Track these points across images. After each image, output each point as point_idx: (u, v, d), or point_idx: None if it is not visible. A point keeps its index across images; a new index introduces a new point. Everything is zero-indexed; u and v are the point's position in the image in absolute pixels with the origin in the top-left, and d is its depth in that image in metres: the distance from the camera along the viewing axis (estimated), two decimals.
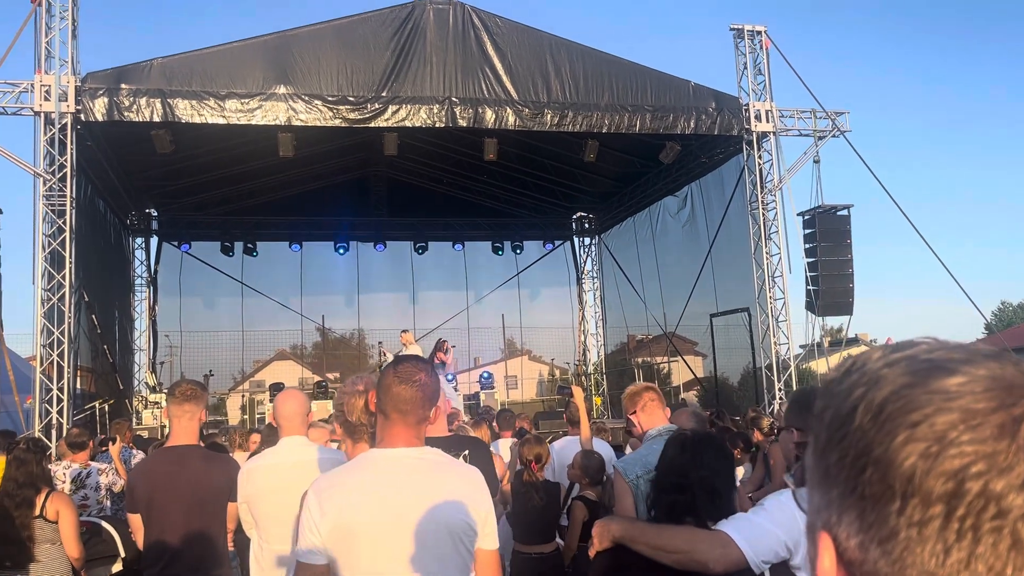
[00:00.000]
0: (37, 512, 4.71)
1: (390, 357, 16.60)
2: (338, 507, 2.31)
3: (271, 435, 5.34)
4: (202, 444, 4.44)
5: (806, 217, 15.19)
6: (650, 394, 3.86)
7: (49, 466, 6.23)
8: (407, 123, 13.10)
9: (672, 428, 3.69)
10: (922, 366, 0.60)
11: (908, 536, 0.56)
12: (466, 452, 3.88)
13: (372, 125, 13.13)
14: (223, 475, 3.99)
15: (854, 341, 29.19)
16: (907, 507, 0.56)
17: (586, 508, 5.14)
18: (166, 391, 9.00)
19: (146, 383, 18.32)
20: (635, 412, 3.84)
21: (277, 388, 15.59)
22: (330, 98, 12.73)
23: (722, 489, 2.64)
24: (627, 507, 3.42)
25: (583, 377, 22.63)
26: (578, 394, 6.13)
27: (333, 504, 2.31)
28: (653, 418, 3.81)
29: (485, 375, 18.63)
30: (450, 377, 17.46)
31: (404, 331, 16.48)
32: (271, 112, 12.58)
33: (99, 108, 12.08)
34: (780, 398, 14.48)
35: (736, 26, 14.99)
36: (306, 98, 12.64)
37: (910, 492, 0.56)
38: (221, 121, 12.50)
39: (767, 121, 14.62)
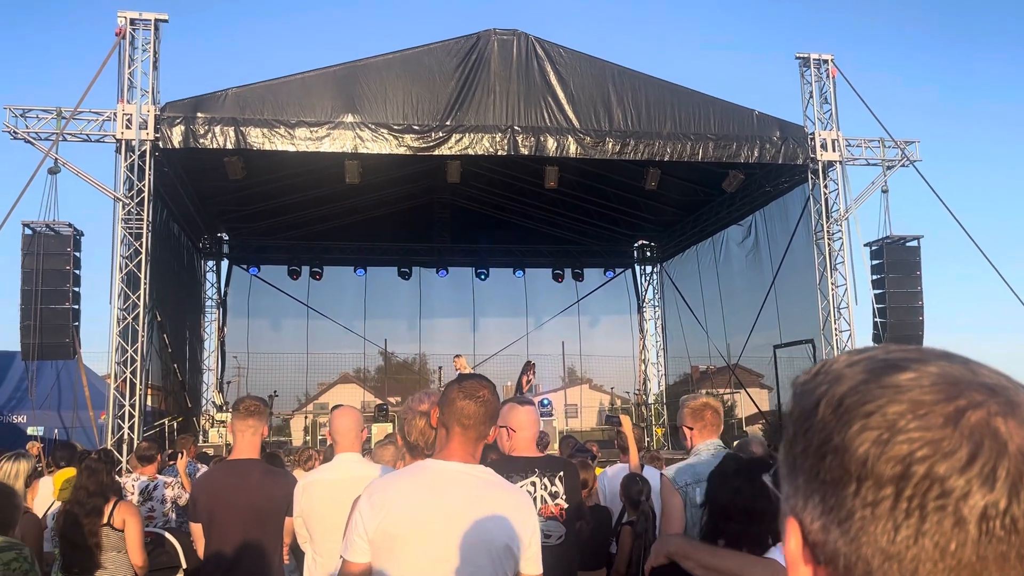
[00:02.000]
0: (105, 520, 4.89)
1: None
2: (385, 509, 2.37)
3: (331, 454, 5.45)
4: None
5: (873, 248, 14.88)
6: (711, 412, 3.82)
7: (119, 478, 6.47)
8: (470, 151, 13.31)
9: (722, 446, 3.70)
10: (878, 364, 0.66)
11: (863, 516, 0.61)
12: (561, 474, 3.92)
13: (435, 153, 13.38)
14: (281, 489, 4.09)
15: None
16: (861, 489, 0.61)
17: (633, 533, 5.09)
18: (227, 418, 9.25)
19: (213, 402, 18.80)
20: (692, 427, 3.80)
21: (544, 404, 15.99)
22: (396, 127, 13.03)
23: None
24: (676, 514, 3.41)
25: (643, 407, 22.40)
26: (626, 422, 6.12)
27: (381, 505, 2.38)
28: (707, 434, 3.77)
29: (544, 402, 18.59)
30: (546, 402, 17.50)
31: (457, 356, 16.63)
32: (338, 140, 12.93)
33: (176, 136, 12.59)
34: None
35: (802, 55, 14.86)
36: (372, 127, 12.96)
37: (864, 476, 0.61)
38: (291, 149, 12.90)
39: (833, 150, 14.41)
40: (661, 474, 3.81)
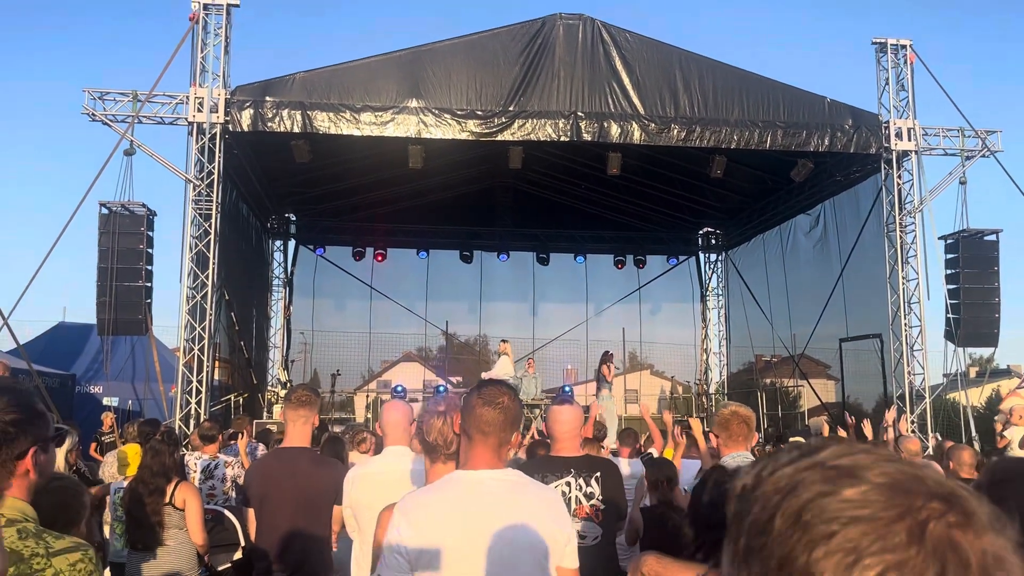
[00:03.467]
0: (167, 500, 5.07)
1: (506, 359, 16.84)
2: (423, 527, 2.39)
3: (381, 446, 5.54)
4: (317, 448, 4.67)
5: (949, 241, 14.36)
6: (738, 422, 3.75)
7: (184, 454, 6.70)
8: (532, 137, 13.27)
9: (749, 458, 3.61)
10: (829, 474, 0.65)
11: None
12: (598, 474, 3.91)
13: (498, 139, 13.38)
14: (330, 478, 4.18)
15: (1005, 372, 27.06)
16: None
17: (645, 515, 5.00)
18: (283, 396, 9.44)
19: (278, 379, 19.27)
20: (719, 435, 3.77)
21: (397, 391, 16.09)
22: (459, 112, 13.06)
23: None
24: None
25: (704, 397, 22.16)
26: (695, 425, 6.12)
27: (418, 524, 2.39)
28: (733, 445, 3.71)
29: (565, 388, 18.50)
30: (567, 389, 17.48)
31: (503, 341, 16.73)
32: (403, 125, 13.03)
33: (245, 119, 12.86)
34: (913, 431, 13.70)
35: (879, 40, 14.37)
36: (436, 112, 13.02)
37: None
38: (356, 133, 13.06)
39: (909, 139, 13.93)
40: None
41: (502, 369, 15.53)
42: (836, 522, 0.61)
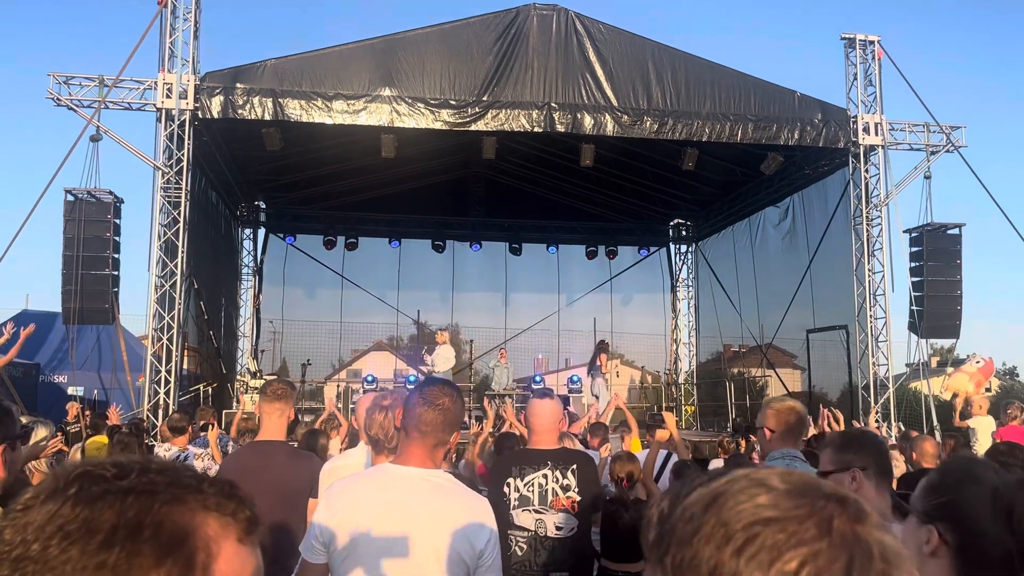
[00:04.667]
0: None
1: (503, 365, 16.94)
2: (343, 513, 2.44)
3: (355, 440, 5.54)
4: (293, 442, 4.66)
5: (913, 235, 14.62)
6: (797, 418, 3.50)
7: (154, 445, 6.64)
8: (506, 127, 13.26)
9: (801, 458, 3.45)
10: (743, 484, 0.72)
11: None
12: (574, 466, 3.95)
13: (472, 129, 13.35)
14: (306, 471, 4.17)
15: (964, 362, 27.57)
16: None
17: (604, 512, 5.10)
18: (258, 390, 9.39)
19: (248, 368, 19.13)
20: (775, 430, 3.48)
21: (368, 381, 16.06)
22: (432, 101, 13.00)
23: None
24: None
25: (673, 387, 22.37)
26: (669, 418, 6.19)
27: (340, 509, 2.45)
28: (787, 441, 3.47)
29: (574, 378, 18.61)
30: (575, 379, 17.56)
31: (441, 330, 16.81)
32: (375, 114, 12.95)
33: (215, 106, 12.70)
34: (877, 420, 13.96)
35: (848, 35, 14.54)
36: (409, 100, 12.96)
37: None
38: (328, 121, 12.96)
39: (876, 134, 14.12)
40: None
41: (443, 357, 15.46)
42: (755, 525, 0.68)
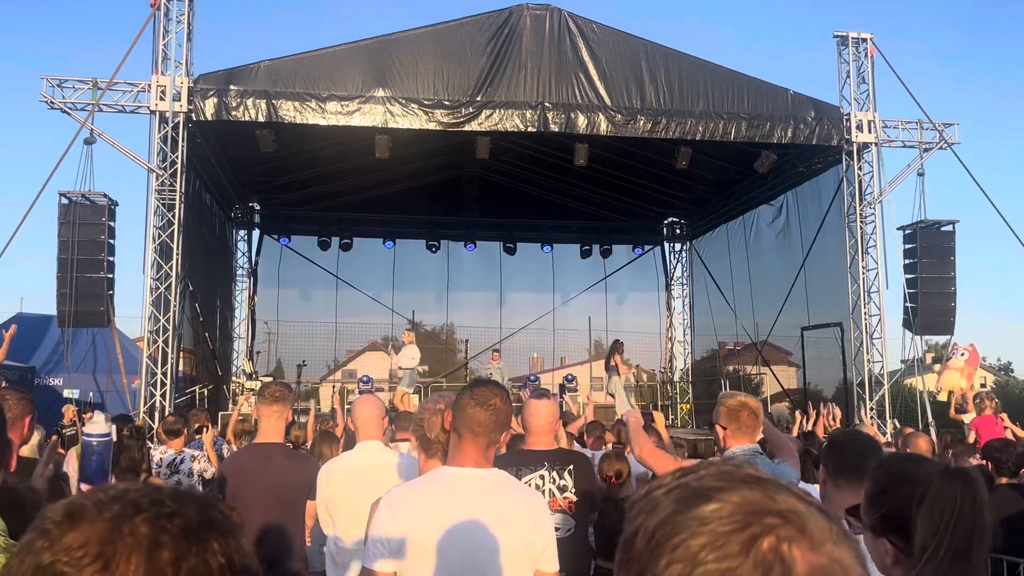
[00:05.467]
0: None
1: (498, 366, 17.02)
2: (408, 520, 2.43)
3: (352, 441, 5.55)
4: (290, 443, 4.67)
5: (907, 232, 14.66)
6: (747, 413, 3.53)
7: (150, 447, 6.63)
8: (499, 127, 13.27)
9: (758, 451, 3.52)
10: (687, 494, 0.72)
11: None
12: (571, 467, 3.97)
13: (465, 129, 13.36)
14: (304, 473, 4.19)
15: (950, 358, 27.62)
16: None
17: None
18: (256, 392, 9.38)
19: (243, 370, 19.11)
20: (727, 427, 3.53)
21: (363, 381, 16.07)
22: (426, 102, 13.01)
23: None
24: None
25: (668, 385, 22.41)
26: (659, 418, 6.17)
27: (404, 517, 2.44)
28: (741, 437, 3.51)
29: (568, 377, 18.64)
30: (570, 378, 17.60)
31: (407, 329, 16.87)
32: (369, 114, 12.96)
33: (209, 108, 12.69)
34: (872, 417, 14.02)
35: (840, 33, 14.58)
36: (403, 101, 12.96)
37: None
38: (322, 122, 12.96)
39: (869, 132, 14.17)
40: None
41: (408, 356, 15.49)
42: (680, 536, 0.68)
